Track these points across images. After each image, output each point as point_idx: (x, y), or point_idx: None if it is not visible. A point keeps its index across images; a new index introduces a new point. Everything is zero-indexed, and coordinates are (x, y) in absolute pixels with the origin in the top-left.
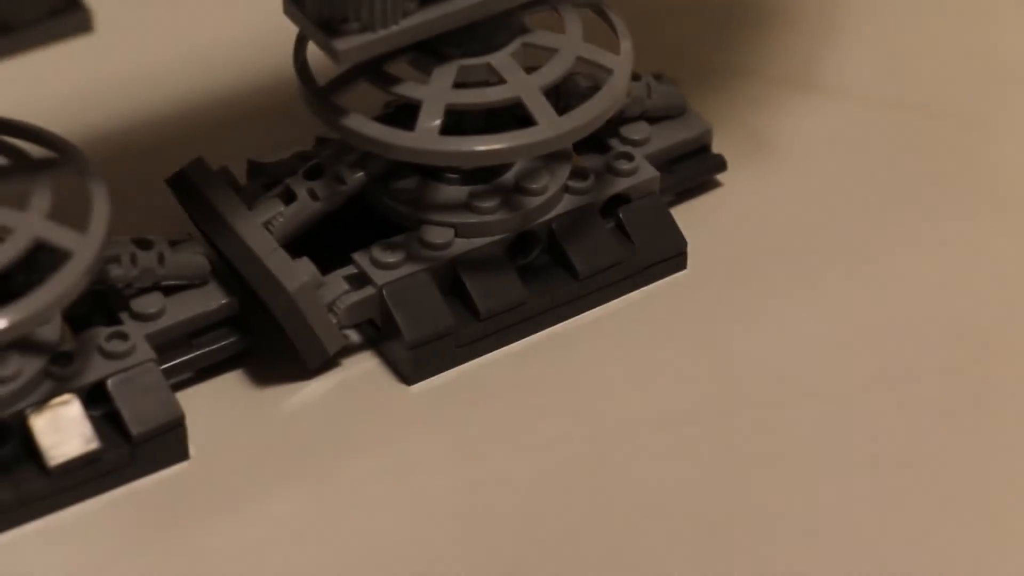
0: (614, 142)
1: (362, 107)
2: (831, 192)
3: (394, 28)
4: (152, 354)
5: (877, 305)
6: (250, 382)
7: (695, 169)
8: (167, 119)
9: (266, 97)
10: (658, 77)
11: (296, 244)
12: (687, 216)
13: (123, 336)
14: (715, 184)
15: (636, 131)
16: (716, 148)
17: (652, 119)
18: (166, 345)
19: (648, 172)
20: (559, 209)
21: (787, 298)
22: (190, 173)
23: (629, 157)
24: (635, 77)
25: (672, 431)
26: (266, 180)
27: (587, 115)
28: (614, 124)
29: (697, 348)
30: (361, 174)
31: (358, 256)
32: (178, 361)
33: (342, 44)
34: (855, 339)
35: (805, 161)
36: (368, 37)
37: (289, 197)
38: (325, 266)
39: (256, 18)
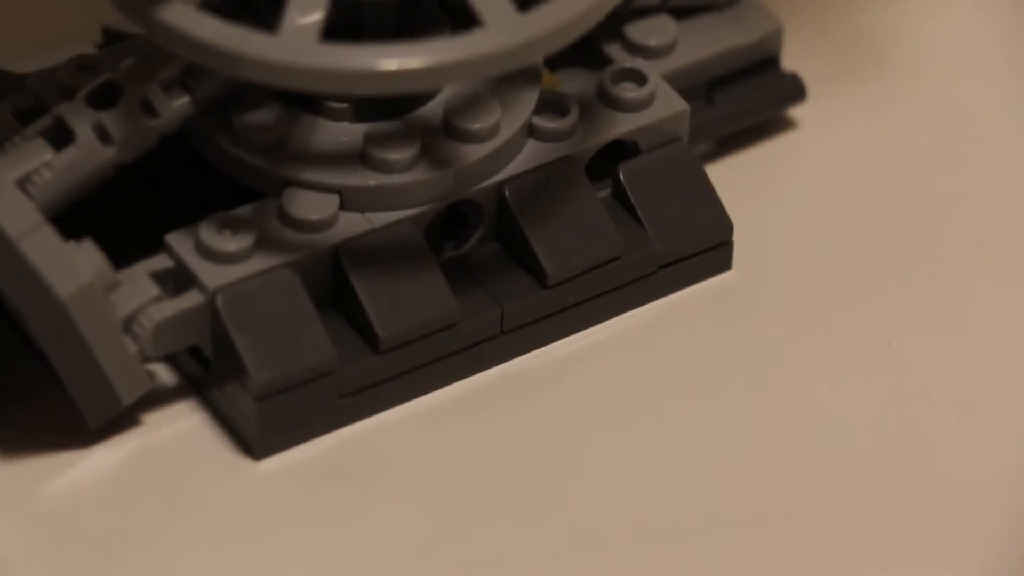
0: (614, 50)
1: None
2: (981, 141)
3: None
4: None
5: None
6: None
7: (752, 98)
8: None
9: None
10: None
11: (73, 216)
12: (736, 181)
13: None
14: (784, 124)
15: (652, 32)
16: (788, 63)
17: (679, 11)
18: None
19: (671, 103)
20: (517, 165)
21: (896, 320)
22: None
23: (639, 77)
24: None
25: (671, 555)
26: (21, 104)
27: (570, 8)
28: (616, 21)
29: (738, 409)
30: (185, 100)
31: (175, 239)
32: None
33: None
34: (991, 397)
35: (938, 88)
36: None
37: (61, 136)
38: (121, 255)
39: None
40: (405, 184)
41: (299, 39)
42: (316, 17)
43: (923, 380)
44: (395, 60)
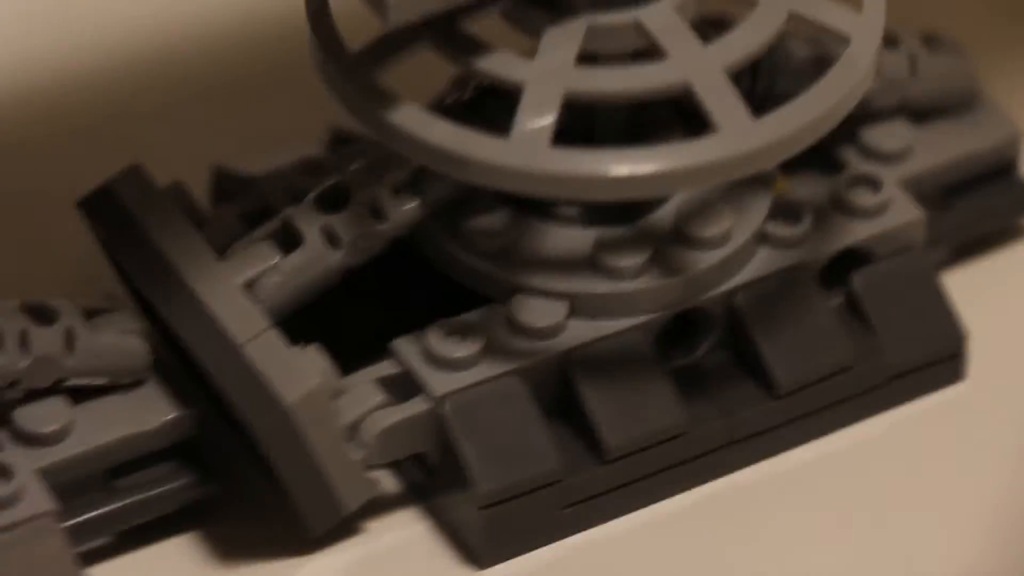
0: (850, 155)
1: (418, 90)
2: None
3: None
4: (50, 503)
5: None
6: (212, 555)
7: (988, 206)
8: (83, 104)
9: (253, 68)
10: (930, 41)
11: (299, 321)
12: (971, 289)
13: (2, 471)
14: (1021, 233)
15: (889, 137)
16: None
17: (918, 115)
18: (72, 486)
19: (906, 211)
20: (749, 273)
21: None
22: (118, 190)
23: (874, 183)
24: (889, 41)
25: None
26: (249, 207)
27: (806, 113)
28: (851, 124)
29: (967, 529)
30: (414, 204)
31: (403, 345)
32: (92, 515)
33: None
34: None
35: None
36: None
37: (289, 239)
38: (347, 361)
39: None
40: (635, 291)
41: (530, 143)
42: (548, 121)
43: None
44: (627, 165)
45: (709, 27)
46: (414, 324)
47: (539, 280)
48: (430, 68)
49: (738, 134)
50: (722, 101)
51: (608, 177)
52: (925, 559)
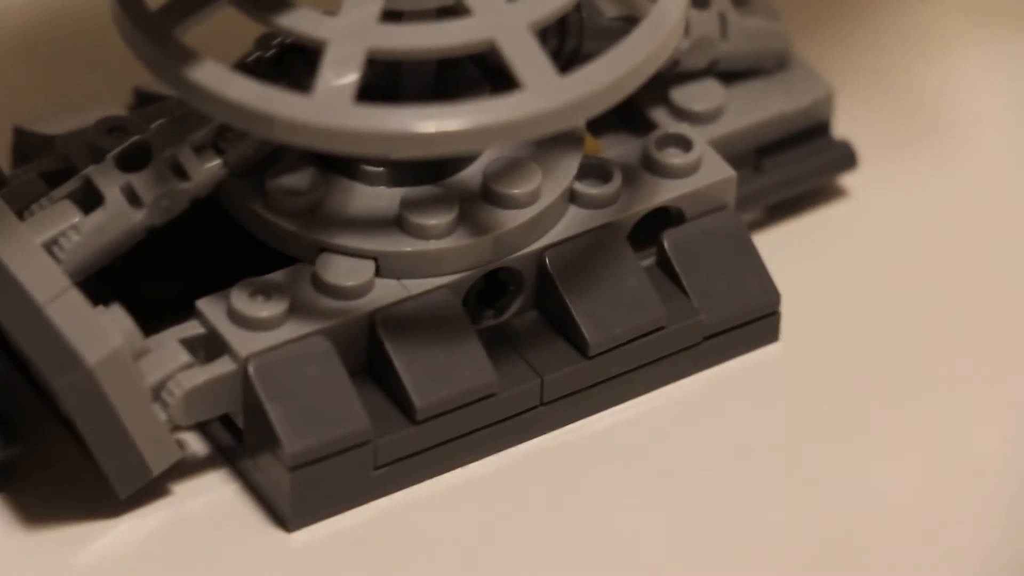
0: (660, 115)
1: (220, 48)
2: None
3: None
4: None
5: None
6: (16, 518)
7: (801, 166)
8: None
9: (57, 28)
10: (741, 2)
11: (102, 281)
12: (784, 250)
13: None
14: (835, 193)
15: (699, 97)
16: (840, 129)
17: (728, 75)
18: None
19: (717, 170)
20: (558, 232)
21: (946, 394)
22: None
23: (685, 143)
24: (699, 2)
25: None
26: (49, 167)
27: (612, 71)
28: (662, 85)
29: (781, 485)
30: (217, 163)
31: (206, 305)
32: None
33: None
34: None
35: (993, 155)
36: None
37: (90, 199)
38: (150, 321)
39: None
40: (442, 250)
41: (333, 100)
42: (351, 78)
43: (973, 457)
44: (433, 122)
45: None
46: (220, 285)
47: (345, 239)
48: (231, 24)
49: (544, 91)
50: (527, 58)
51: (412, 133)
52: (739, 516)
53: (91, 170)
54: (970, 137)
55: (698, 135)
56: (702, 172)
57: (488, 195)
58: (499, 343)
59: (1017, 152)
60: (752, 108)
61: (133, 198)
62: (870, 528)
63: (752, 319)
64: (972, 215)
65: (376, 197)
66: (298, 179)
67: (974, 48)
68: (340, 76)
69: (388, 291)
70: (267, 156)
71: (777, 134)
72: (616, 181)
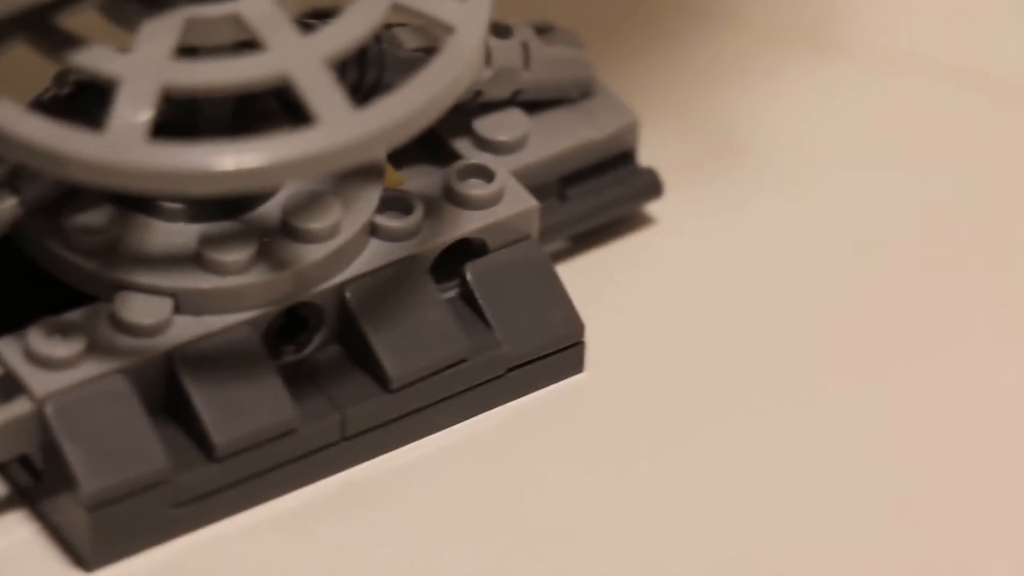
0: (463, 146)
1: (15, 87)
2: (840, 239)
3: None
4: None
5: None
6: None
7: (607, 194)
8: None
9: None
10: (544, 31)
11: None
12: (590, 280)
13: None
14: (641, 221)
15: (502, 127)
16: (644, 158)
17: (531, 105)
18: None
19: (520, 200)
20: (359, 266)
21: (752, 424)
22: None
23: (486, 173)
24: (500, 31)
25: None
26: None
27: (408, 103)
28: (465, 116)
29: (588, 518)
30: (12, 202)
31: (3, 345)
32: None
33: None
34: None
35: (797, 179)
36: None
37: None
38: None
39: None
40: (241, 286)
41: (127, 138)
42: (144, 116)
43: (779, 486)
44: (227, 158)
45: (317, 18)
46: (18, 324)
47: (143, 277)
48: (26, 63)
49: (339, 124)
50: (322, 92)
51: (208, 171)
52: (546, 549)
53: None
54: (773, 162)
55: (500, 165)
56: (504, 203)
57: (287, 230)
58: (300, 378)
59: (820, 175)
60: (556, 137)
61: None
62: (675, 556)
63: (556, 349)
64: (777, 241)
65: (174, 233)
66: (95, 216)
67: (774, 73)
68: (133, 113)
69: (186, 328)
70: (64, 193)
71: (582, 163)
72: (417, 213)
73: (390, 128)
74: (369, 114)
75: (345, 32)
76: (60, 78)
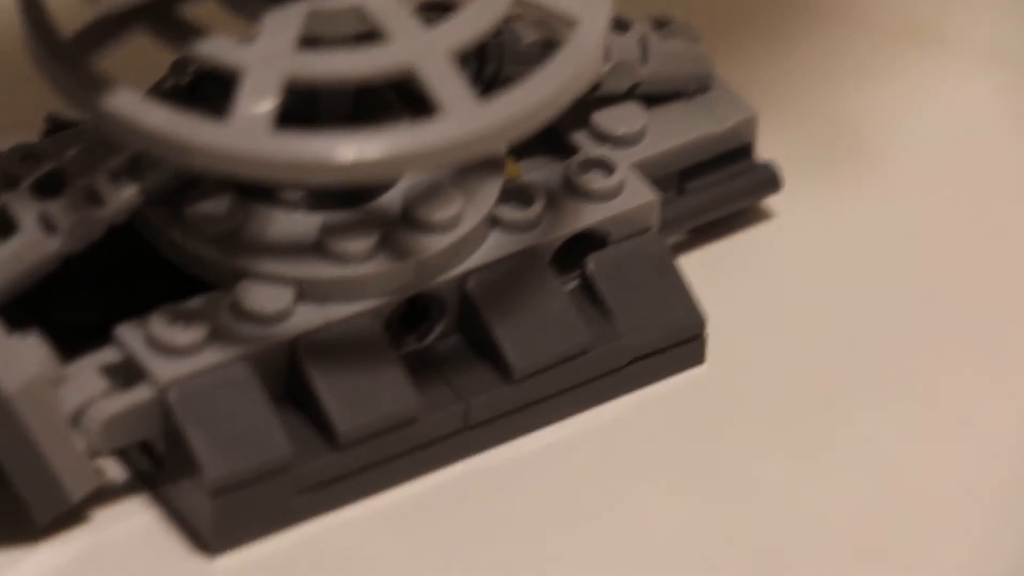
0: (582, 139)
1: (136, 75)
2: (959, 233)
3: None
4: None
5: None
6: None
7: (725, 188)
8: None
9: None
10: (662, 25)
11: (19, 309)
12: (709, 273)
13: None
14: (759, 215)
15: (621, 120)
16: (764, 151)
17: (651, 99)
18: None
19: (640, 193)
20: (480, 257)
21: (875, 416)
22: None
23: (607, 166)
24: (619, 25)
25: None
26: None
27: (533, 96)
28: (584, 109)
29: (711, 509)
30: (133, 190)
31: (125, 332)
32: None
33: None
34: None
35: (916, 173)
36: None
37: (4, 226)
38: (69, 349)
39: None
40: (363, 276)
41: (250, 127)
42: (268, 106)
43: (904, 478)
44: (351, 149)
45: (435, 10)
46: (139, 311)
47: (264, 265)
48: (146, 53)
49: (463, 116)
50: (446, 84)
51: (331, 161)
52: (669, 540)
53: (5, 197)
54: (892, 158)
55: (620, 158)
56: (625, 196)
57: (409, 220)
58: (422, 368)
59: (938, 173)
60: (675, 131)
61: (48, 225)
62: (801, 550)
63: (677, 342)
64: (894, 236)
65: (296, 222)
66: (216, 205)
67: (897, 70)
68: (257, 103)
69: (308, 317)
70: (185, 182)
71: (700, 157)
72: (538, 205)
73: (515, 121)
74: (494, 107)
75: (470, 24)
76: (177, 67)
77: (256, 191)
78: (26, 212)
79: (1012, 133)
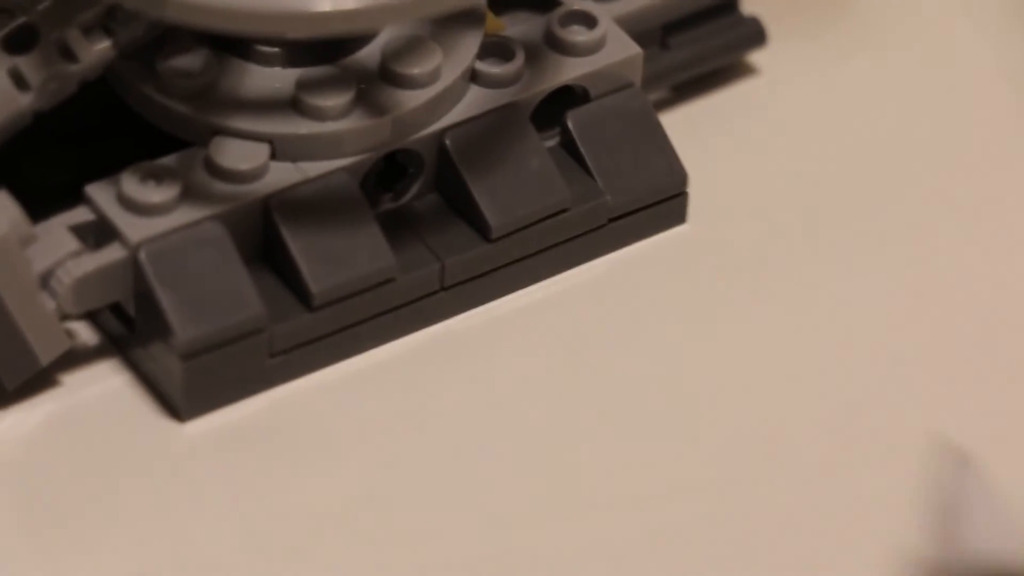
0: None
1: None
2: (946, 94)
3: None
4: None
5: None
6: None
7: (709, 43)
8: None
9: None
10: None
11: None
12: (692, 129)
13: None
14: (743, 71)
15: None
16: (748, 5)
17: None
18: None
19: (623, 47)
20: (459, 112)
21: (855, 273)
22: None
23: (589, 19)
24: None
25: (617, 522)
26: None
27: None
28: None
29: (691, 368)
30: (106, 44)
31: (96, 191)
32: None
33: None
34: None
35: (903, 31)
36: None
37: None
38: (38, 208)
39: None
40: (339, 132)
41: None
42: None
43: (885, 336)
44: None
45: None
46: (111, 169)
47: (239, 121)
48: None
49: None
50: None
51: (308, 12)
52: (647, 400)
53: None
54: (879, 13)
55: (603, 12)
56: (607, 50)
57: (387, 75)
58: (398, 227)
59: (926, 28)
60: None
61: (20, 81)
62: (784, 405)
63: (659, 200)
64: (881, 92)
65: (271, 78)
66: (190, 60)
67: None
68: None
69: (283, 174)
70: (158, 37)
71: (684, 10)
72: (518, 60)
73: None
74: None
75: None
76: None
77: (231, 46)
78: None
79: None
